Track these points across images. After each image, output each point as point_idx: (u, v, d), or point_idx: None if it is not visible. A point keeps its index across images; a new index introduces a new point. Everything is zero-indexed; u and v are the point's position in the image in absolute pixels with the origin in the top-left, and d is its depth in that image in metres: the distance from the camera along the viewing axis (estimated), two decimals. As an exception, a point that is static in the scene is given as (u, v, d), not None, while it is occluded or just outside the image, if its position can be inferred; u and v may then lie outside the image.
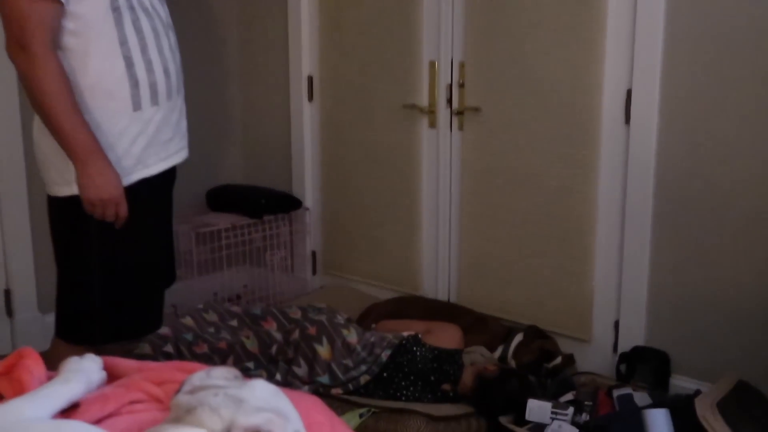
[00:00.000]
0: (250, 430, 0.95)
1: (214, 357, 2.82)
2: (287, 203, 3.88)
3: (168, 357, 2.78)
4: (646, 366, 2.90)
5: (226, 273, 3.75)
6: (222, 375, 1.08)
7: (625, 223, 2.93)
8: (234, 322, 3.07)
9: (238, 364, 2.81)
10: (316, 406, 1.19)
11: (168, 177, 2.36)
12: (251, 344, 2.91)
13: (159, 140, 2.26)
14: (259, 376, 2.77)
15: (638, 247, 2.92)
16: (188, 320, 3.02)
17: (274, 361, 2.87)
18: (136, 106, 2.18)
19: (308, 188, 3.96)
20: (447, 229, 3.48)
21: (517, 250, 3.25)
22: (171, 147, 2.31)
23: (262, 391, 1.04)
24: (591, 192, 3.00)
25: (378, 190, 3.68)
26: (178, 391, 1.07)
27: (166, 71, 2.23)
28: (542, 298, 3.21)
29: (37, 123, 2.18)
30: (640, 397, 2.62)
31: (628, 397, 2.61)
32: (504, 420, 2.66)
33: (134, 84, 2.16)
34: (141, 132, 2.21)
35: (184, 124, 2.38)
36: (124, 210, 2.16)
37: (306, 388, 2.77)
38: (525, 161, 3.16)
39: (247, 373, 2.78)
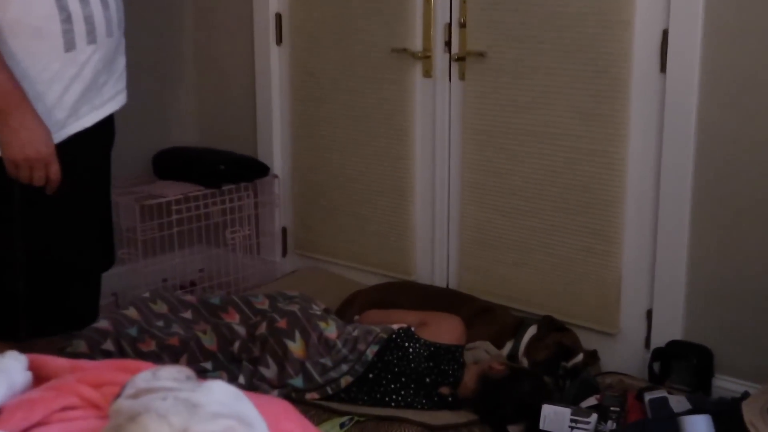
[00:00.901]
0: (207, 440, 0.95)
1: (163, 356, 2.82)
2: (251, 170, 3.87)
3: (107, 355, 2.77)
4: (684, 364, 2.92)
5: (177, 254, 3.74)
6: (172, 375, 1.08)
7: (660, 192, 2.94)
8: (188, 314, 3.07)
9: (193, 364, 2.80)
10: (287, 412, 1.19)
11: (105, 135, 2.35)
12: (209, 340, 2.91)
13: (96, 86, 2.24)
14: (219, 378, 2.78)
15: (675, 222, 2.93)
16: (132, 312, 3.01)
17: (237, 360, 2.87)
18: (69, 45, 2.15)
19: (277, 151, 3.95)
20: (445, 200, 3.48)
21: (530, 226, 3.26)
22: (105, 92, 2.29)
23: (220, 394, 1.04)
24: (619, 155, 3.01)
25: (362, 153, 3.67)
26: (119, 395, 1.07)
27: (104, 1, 2.21)
28: (560, 283, 3.22)
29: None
30: (677, 402, 2.64)
31: (663, 402, 2.63)
32: (514, 430, 2.67)
33: (66, 18, 2.12)
34: (75, 77, 2.18)
35: (121, 62, 2.35)
36: (55, 171, 2.13)
37: (276, 392, 2.78)
38: (539, 118, 3.15)
39: (204, 375, 2.78)
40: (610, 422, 2.60)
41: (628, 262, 3.07)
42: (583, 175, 3.09)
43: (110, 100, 2.32)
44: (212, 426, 0.97)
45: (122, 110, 2.45)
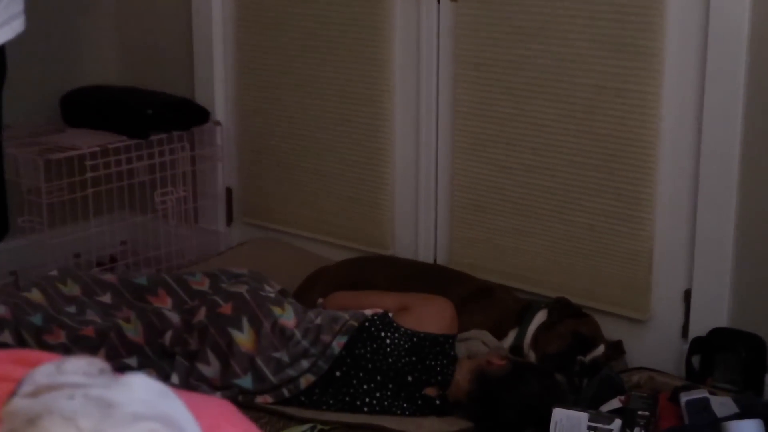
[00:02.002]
0: (125, 448, 0.95)
1: (75, 350, 2.82)
2: (187, 115, 3.86)
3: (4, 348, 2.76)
4: (730, 358, 2.93)
5: (93, 223, 3.72)
6: (81, 368, 1.08)
7: (702, 143, 2.94)
8: (106, 298, 3.06)
9: (114, 360, 2.80)
10: (228, 414, 1.19)
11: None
12: (133, 330, 2.91)
13: None
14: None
15: (721, 180, 2.93)
16: (35, 294, 3.00)
17: (169, 355, 2.87)
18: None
19: (219, 92, 3.94)
20: (432, 153, 3.48)
21: (538, 185, 3.26)
22: None
23: (141, 391, 1.03)
24: (651, 95, 3.00)
25: (326, 94, 3.66)
26: (14, 393, 1.06)
27: None
28: (576, 256, 3.23)
29: None
30: (721, 404, 2.65)
31: (703, 404, 2.64)
32: (517, 439, 2.69)
33: None
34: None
35: None
36: None
37: (218, 395, 2.78)
38: (551, 48, 3.15)
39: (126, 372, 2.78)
40: (637, 429, 2.61)
41: (662, 231, 3.07)
42: (607, 121, 3.09)
43: (4, 25, 2.29)
44: (131, 430, 0.97)
45: (19, 40, 2.41)
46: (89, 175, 3.61)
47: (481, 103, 3.32)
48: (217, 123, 3.94)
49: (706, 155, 2.95)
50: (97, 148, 3.64)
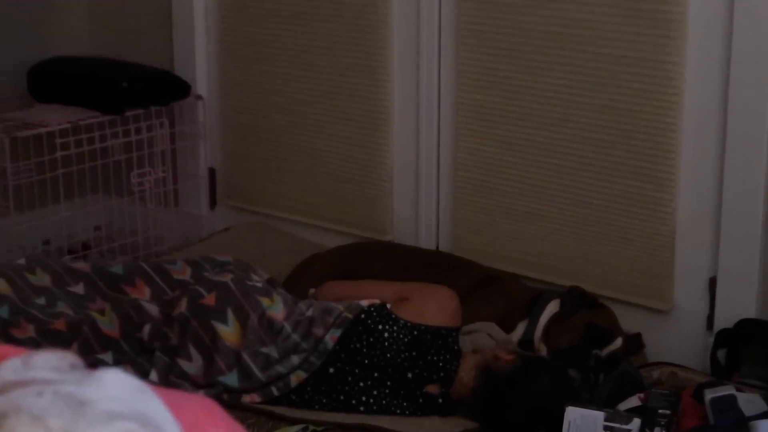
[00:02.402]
0: (98, 448, 0.95)
1: (44, 344, 2.81)
2: (166, 88, 3.86)
3: (-32, 345, 2.77)
4: (759, 351, 2.94)
5: (64, 206, 3.72)
6: (50, 363, 1.07)
7: (728, 116, 2.93)
8: (79, 288, 3.06)
9: (88, 355, 2.81)
10: (210, 413, 1.18)
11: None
12: (108, 323, 2.90)
13: None
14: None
15: (750, 157, 2.92)
16: (1, 284, 2.99)
17: (148, 350, 2.87)
18: None
19: (201, 64, 3.93)
20: (434, 129, 3.48)
21: (550, 163, 3.26)
22: None
23: (116, 388, 1.02)
24: (674, 64, 3.00)
25: (317, 64, 3.65)
26: (-23, 391, 1.06)
27: None
28: (591, 242, 3.23)
29: None
30: (749, 401, 2.65)
31: (730, 402, 2.64)
32: (527, 440, 2.70)
33: None
34: None
35: None
36: None
37: (201, 392, 2.78)
38: (563, 13, 3.14)
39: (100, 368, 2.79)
40: (658, 429, 2.61)
41: (685, 213, 3.07)
42: (624, 94, 3.09)
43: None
44: (105, 431, 0.96)
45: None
46: (59, 154, 3.61)
47: (487, 74, 3.32)
48: (199, 97, 3.93)
49: (732, 131, 2.94)
50: (68, 125, 3.64)
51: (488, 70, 3.31)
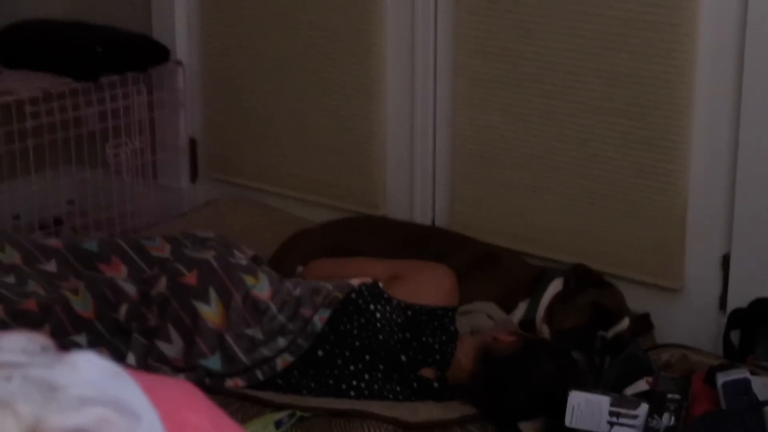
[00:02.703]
0: (69, 435, 0.94)
1: (14, 326, 2.81)
2: (143, 53, 3.86)
3: (-68, 326, 2.77)
4: (774, 333, 2.95)
5: (35, 179, 3.72)
6: (19, 345, 1.06)
7: (744, 82, 2.93)
8: (51, 266, 3.06)
9: (61, 338, 2.80)
10: (190, 398, 1.18)
11: None
12: (82, 304, 2.90)
13: None
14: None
15: (765, 129, 2.92)
16: (-32, 263, 2.99)
17: (124, 331, 2.86)
18: None
19: (181, 27, 3.93)
20: (430, 97, 3.47)
21: (553, 133, 3.25)
22: None
23: (89, 372, 1.02)
24: (685, 25, 2.99)
25: (307, 30, 3.64)
26: (-57, 375, 1.06)
27: None
28: (597, 216, 3.23)
29: None
30: (764, 385, 2.66)
31: (743, 385, 2.65)
32: (527, 428, 2.69)
33: None
34: None
35: None
36: None
37: (182, 376, 2.78)
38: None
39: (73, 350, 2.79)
40: (666, 415, 2.62)
41: (697, 186, 3.08)
42: (632, 59, 3.09)
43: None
44: (77, 417, 0.96)
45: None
46: (29, 123, 3.61)
47: (487, 38, 3.32)
48: (179, 63, 3.93)
49: (747, 98, 2.94)
50: (39, 93, 3.64)
51: (488, 34, 3.31)
